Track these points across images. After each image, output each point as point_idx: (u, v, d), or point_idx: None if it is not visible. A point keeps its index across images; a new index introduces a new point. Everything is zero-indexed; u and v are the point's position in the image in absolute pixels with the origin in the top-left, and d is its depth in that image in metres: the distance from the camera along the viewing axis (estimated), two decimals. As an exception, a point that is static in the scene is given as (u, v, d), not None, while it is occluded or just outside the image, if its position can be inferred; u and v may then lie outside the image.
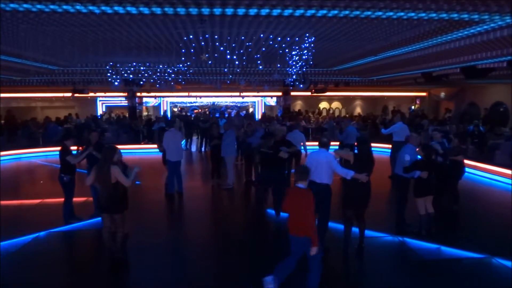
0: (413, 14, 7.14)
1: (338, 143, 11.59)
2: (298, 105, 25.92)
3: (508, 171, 10.43)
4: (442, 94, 21.28)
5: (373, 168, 5.72)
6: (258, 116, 23.68)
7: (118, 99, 22.89)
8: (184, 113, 22.91)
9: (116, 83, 14.85)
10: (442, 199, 7.99)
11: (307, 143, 9.61)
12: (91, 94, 20.35)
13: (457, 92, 19.93)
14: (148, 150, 15.52)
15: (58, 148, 7.21)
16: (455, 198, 8.07)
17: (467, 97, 19.56)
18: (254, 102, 26.21)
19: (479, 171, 11.42)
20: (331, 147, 6.23)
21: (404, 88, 21.57)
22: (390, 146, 11.40)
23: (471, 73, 11.30)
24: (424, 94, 23.30)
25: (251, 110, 25.99)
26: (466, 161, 8.34)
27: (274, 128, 8.59)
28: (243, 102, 26.29)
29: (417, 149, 6.80)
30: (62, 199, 7.19)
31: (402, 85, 19.64)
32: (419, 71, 13.99)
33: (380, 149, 15.57)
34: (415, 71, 14.21)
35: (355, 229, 5.89)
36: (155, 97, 23.99)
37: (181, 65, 13.96)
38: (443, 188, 8.16)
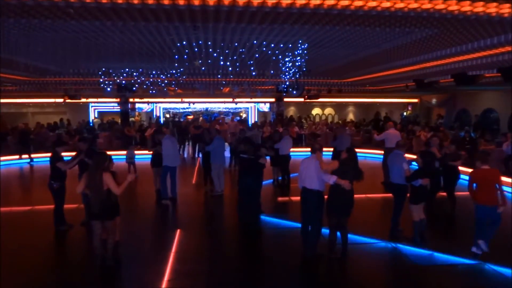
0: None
1: (332, 149, 11.62)
2: (291, 111, 26.01)
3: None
4: (434, 101, 21.51)
5: (361, 178, 5.74)
6: (252, 121, 23.72)
7: (111, 104, 22.77)
8: (177, 119, 22.85)
9: (108, 89, 14.79)
10: (436, 205, 8.10)
11: (301, 149, 9.65)
12: (83, 100, 20.23)
13: (448, 99, 20.16)
14: (141, 156, 15.43)
15: (49, 154, 7.14)
16: (452, 203, 8.14)
17: (458, 104, 19.79)
18: (247, 108, 26.25)
19: (471, 177, 11.50)
20: (324, 153, 6.24)
21: (396, 94, 21.77)
22: (383, 152, 11.48)
23: (462, 80, 11.43)
24: (416, 100, 23.53)
25: (244, 116, 26.00)
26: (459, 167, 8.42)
27: (251, 134, 8.63)
28: (236, 108, 26.32)
29: (416, 156, 6.81)
30: (53, 206, 7.11)
31: (394, 91, 19.83)
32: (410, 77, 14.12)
33: (373, 155, 15.67)
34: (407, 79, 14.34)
35: (351, 236, 5.91)
36: (148, 102, 23.91)
37: (174, 71, 13.94)
38: (436, 194, 8.26)
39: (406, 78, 14.09)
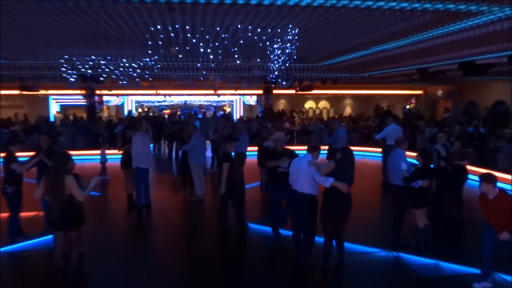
0: (406, 4, 7.29)
1: (326, 147, 11.69)
2: (281, 105, 26.06)
3: (510, 177, 10.71)
4: (439, 92, 21.81)
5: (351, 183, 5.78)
6: (237, 116, 23.71)
7: (75, 97, 22.47)
8: (151, 114, 22.70)
9: (72, 79, 14.56)
10: (443, 208, 8.19)
11: (292, 147, 9.67)
12: (42, 92, 19.88)
13: (455, 90, 20.45)
14: (110, 156, 15.31)
15: (2, 155, 7.02)
16: (459, 207, 8.26)
17: (466, 96, 20.10)
18: (232, 101, 26.21)
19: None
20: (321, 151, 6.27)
21: (398, 85, 21.99)
22: (381, 150, 11.62)
23: (469, 69, 11.60)
24: (420, 92, 23.83)
25: (228, 110, 25.97)
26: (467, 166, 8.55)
27: (276, 137, 8.35)
28: (219, 101, 26.25)
29: (416, 154, 6.89)
30: (7, 214, 6.98)
31: (396, 82, 20.02)
32: (413, 67, 14.29)
33: (373, 153, 15.83)
34: (409, 67, 14.51)
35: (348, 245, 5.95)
36: (117, 95, 23.66)
37: (147, 59, 13.80)
38: (444, 196, 8.37)
39: (410, 63, 14.21)
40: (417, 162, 6.85)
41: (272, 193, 7.61)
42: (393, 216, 6.96)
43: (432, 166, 7.29)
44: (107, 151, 12.64)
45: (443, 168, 8.18)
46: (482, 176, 5.30)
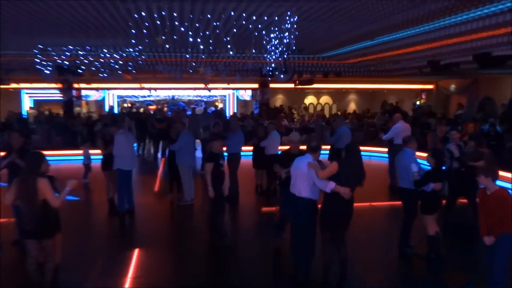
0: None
1: (328, 146, 11.71)
2: (279, 100, 26.09)
3: (529, 179, 10.76)
4: (452, 87, 21.88)
5: (363, 181, 5.78)
6: (230, 113, 23.73)
7: (50, 91, 22.39)
8: (135, 110, 22.67)
9: (47, 72, 14.51)
10: (453, 213, 8.25)
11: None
12: (14, 85, 19.79)
13: (469, 85, 20.54)
14: (92, 157, 15.30)
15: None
16: (473, 211, 8.30)
17: (481, 91, 20.18)
18: (224, 96, 26.21)
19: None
20: (322, 151, 6.27)
21: (407, 79, 22.06)
22: (387, 149, 11.66)
23: (485, 62, 11.63)
24: (431, 86, 23.91)
25: (220, 106, 25.97)
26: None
27: (287, 139, 8.25)
28: (210, 96, 26.25)
29: (427, 154, 6.91)
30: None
31: (405, 75, 20.08)
32: (424, 59, 14.34)
33: (379, 154, 15.87)
34: (419, 59, 14.55)
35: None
36: (97, 89, 23.61)
37: (130, 50, 13.78)
38: (456, 200, 8.42)
39: (419, 58, 14.28)
40: (427, 164, 6.87)
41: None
42: (401, 222, 6.97)
43: (444, 167, 7.32)
44: (90, 151, 12.58)
45: (456, 170, 8.23)
46: (481, 169, 5.35)
